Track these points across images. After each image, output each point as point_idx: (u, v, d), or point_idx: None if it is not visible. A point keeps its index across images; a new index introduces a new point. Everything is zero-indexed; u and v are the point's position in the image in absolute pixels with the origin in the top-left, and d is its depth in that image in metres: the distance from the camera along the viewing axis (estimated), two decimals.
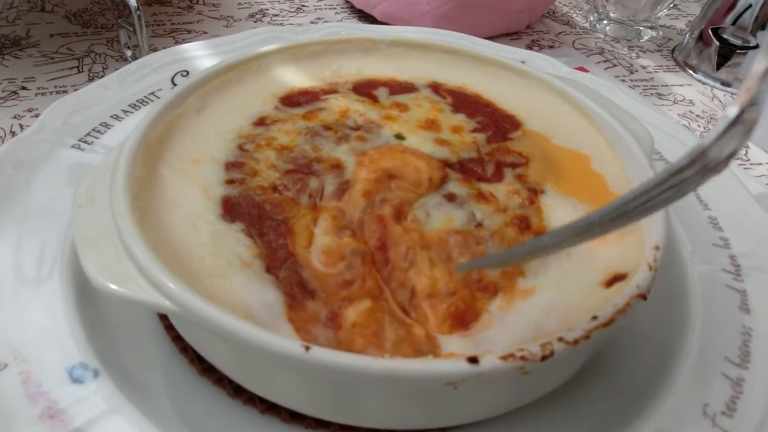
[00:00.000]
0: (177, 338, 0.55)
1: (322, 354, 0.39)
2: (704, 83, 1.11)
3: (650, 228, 0.51)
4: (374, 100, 0.69)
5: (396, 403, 0.45)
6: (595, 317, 0.43)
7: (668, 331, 0.56)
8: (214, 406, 0.51)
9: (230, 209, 0.53)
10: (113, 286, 0.45)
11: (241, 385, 0.50)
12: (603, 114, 0.65)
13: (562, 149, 0.64)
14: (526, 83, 0.73)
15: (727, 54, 1.07)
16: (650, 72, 1.13)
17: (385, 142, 0.61)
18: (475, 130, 0.65)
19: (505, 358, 0.39)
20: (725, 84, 1.09)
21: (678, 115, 1.00)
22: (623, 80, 1.08)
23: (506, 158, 0.61)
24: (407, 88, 0.71)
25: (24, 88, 0.95)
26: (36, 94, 0.95)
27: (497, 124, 0.66)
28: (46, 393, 0.48)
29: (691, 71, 1.13)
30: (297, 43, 0.74)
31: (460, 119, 0.66)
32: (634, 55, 1.18)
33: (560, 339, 0.41)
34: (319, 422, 0.50)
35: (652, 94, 1.07)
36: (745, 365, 0.52)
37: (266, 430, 0.50)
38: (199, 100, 0.64)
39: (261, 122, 0.63)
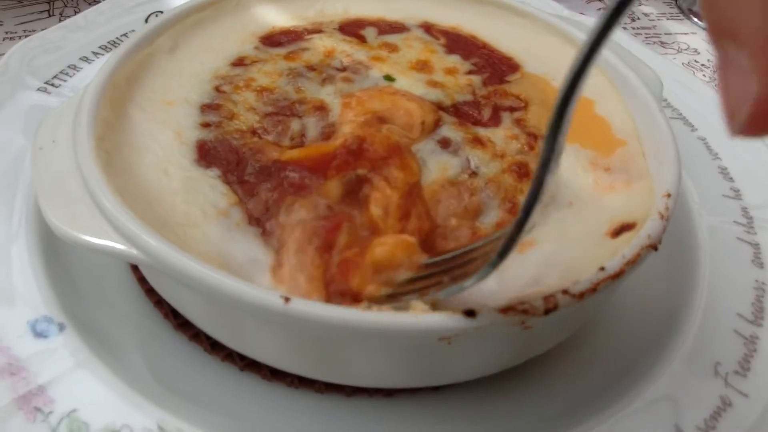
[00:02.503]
0: (150, 291, 0.51)
1: (304, 306, 0.36)
2: None
3: (660, 174, 0.47)
4: (362, 40, 0.64)
5: (384, 360, 0.41)
6: (602, 268, 0.39)
7: (675, 286, 0.53)
8: (190, 362, 0.48)
9: (205, 154, 0.49)
10: (76, 234, 0.41)
11: (219, 341, 0.47)
12: (608, 56, 0.60)
13: None
14: (524, 24, 0.68)
15: None
16: (653, 20, 1.08)
17: (374, 83, 0.57)
18: (470, 72, 0.60)
19: (505, 311, 0.36)
20: None
21: (682, 64, 0.96)
22: (625, 28, 1.04)
23: (504, 102, 0.57)
24: (397, 28, 0.66)
25: None
26: (4, 39, 0.89)
27: (494, 66, 0.62)
28: (6, 348, 0.45)
29: (696, 19, 1.08)
30: None
31: (454, 61, 0.62)
32: (636, 2, 1.13)
33: (565, 292, 0.38)
34: (302, 380, 0.47)
35: (654, 42, 1.02)
36: (758, 322, 0.50)
37: (246, 387, 0.47)
38: (171, 39, 0.59)
39: (239, 63, 0.59)
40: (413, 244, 0.42)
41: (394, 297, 0.39)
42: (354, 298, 0.40)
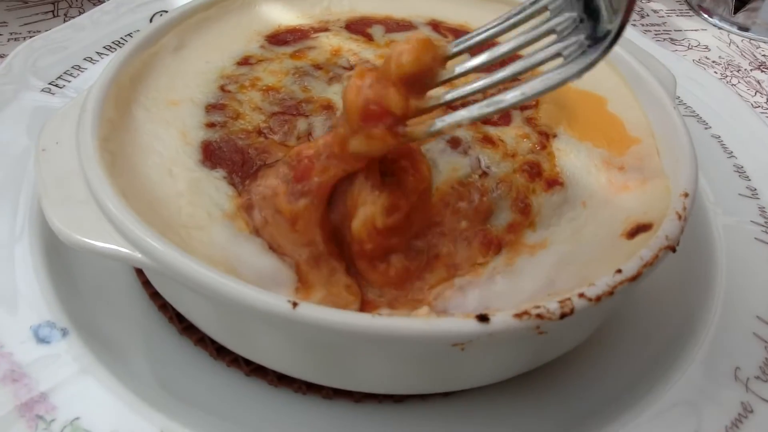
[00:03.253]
0: (155, 295, 0.51)
1: (312, 311, 0.35)
2: (720, 28, 1.04)
3: (676, 174, 0.46)
4: (369, 38, 0.63)
5: (394, 366, 0.40)
6: (619, 271, 0.38)
7: (691, 288, 0.52)
8: (195, 368, 0.47)
9: (210, 154, 0.48)
10: (80, 237, 0.40)
11: (224, 346, 0.46)
12: (620, 52, 0.59)
13: (576, 90, 0.58)
14: None
15: None
16: (662, 16, 1.07)
17: None
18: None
19: (519, 316, 0.35)
20: (743, 29, 1.03)
21: (693, 61, 0.95)
22: (633, 25, 1.02)
23: None
24: (404, 26, 0.65)
25: None
26: (9, 39, 0.88)
27: (503, 64, 0.61)
28: (8, 354, 0.44)
29: (706, 15, 1.07)
30: None
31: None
32: None
33: (581, 295, 0.37)
34: (309, 386, 0.46)
35: (664, 39, 1.01)
36: None
37: (252, 393, 0.46)
38: (176, 38, 0.59)
39: (245, 62, 0.58)
40: (429, 40, 0.37)
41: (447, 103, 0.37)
42: (401, 120, 0.37)
